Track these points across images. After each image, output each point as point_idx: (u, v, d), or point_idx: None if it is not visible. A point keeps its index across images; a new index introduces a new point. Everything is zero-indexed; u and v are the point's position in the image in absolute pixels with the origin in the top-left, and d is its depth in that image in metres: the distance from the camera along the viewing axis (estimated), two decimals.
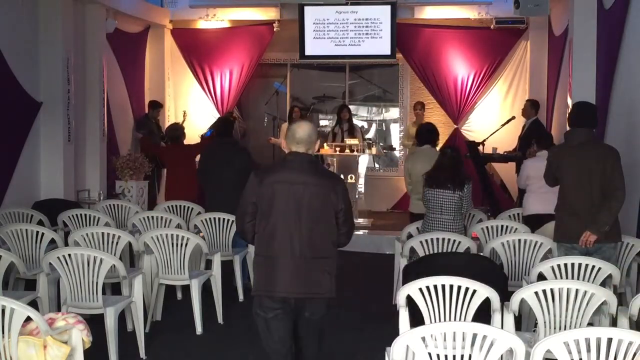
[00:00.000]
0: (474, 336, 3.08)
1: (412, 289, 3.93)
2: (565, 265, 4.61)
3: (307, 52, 10.86)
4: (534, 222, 6.24)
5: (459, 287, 3.90)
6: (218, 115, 10.67)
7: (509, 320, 4.05)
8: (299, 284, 3.92)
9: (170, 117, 11.22)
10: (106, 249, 5.58)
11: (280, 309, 3.95)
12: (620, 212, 4.92)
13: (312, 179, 3.98)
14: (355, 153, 9.50)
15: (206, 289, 5.96)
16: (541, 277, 4.58)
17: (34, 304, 4.80)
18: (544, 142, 6.77)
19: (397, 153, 11.68)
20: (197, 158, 8.83)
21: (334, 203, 3.98)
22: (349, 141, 9.71)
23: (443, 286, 3.91)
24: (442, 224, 5.86)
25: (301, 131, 4.03)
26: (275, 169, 4.20)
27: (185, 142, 9.69)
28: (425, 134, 6.89)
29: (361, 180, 9.64)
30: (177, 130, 8.76)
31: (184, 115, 10.98)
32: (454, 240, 5.53)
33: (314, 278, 3.98)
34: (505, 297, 4.13)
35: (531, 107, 9.54)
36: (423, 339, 3.10)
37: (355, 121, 11.29)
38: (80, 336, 3.66)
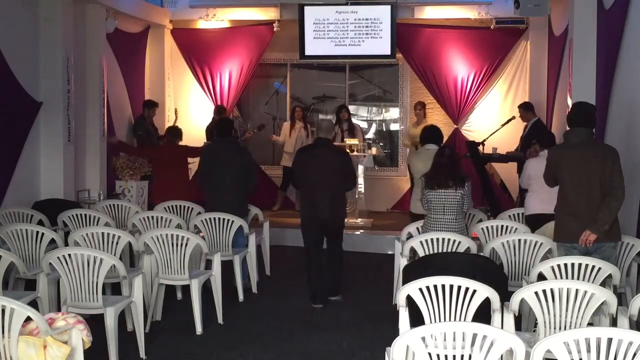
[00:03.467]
0: (474, 336, 3.08)
1: (412, 289, 3.94)
2: (565, 265, 4.61)
3: (307, 52, 10.86)
4: (536, 222, 6.24)
5: (459, 287, 3.91)
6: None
7: (509, 320, 4.06)
8: (329, 211, 6.48)
9: (170, 117, 11.21)
10: (106, 249, 5.58)
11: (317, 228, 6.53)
12: (620, 211, 4.93)
13: (330, 153, 6.58)
14: (355, 153, 9.50)
15: (206, 289, 5.96)
16: (541, 277, 4.58)
17: (34, 304, 4.80)
18: (546, 141, 6.77)
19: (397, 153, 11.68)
20: (191, 160, 8.90)
21: (342, 167, 6.52)
22: (349, 141, 9.71)
23: (443, 286, 3.91)
24: (444, 224, 5.84)
25: (324, 124, 6.93)
26: (310, 147, 7.06)
27: (183, 142, 9.71)
28: (428, 134, 6.93)
29: (361, 180, 9.64)
30: (176, 130, 8.97)
31: (175, 113, 10.98)
32: (454, 240, 5.54)
33: (335, 207, 6.53)
34: (505, 297, 4.13)
35: (525, 110, 9.50)
36: (423, 339, 3.10)
37: (356, 121, 11.29)
38: (80, 336, 3.66)
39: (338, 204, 6.56)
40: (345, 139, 10.00)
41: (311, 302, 6.50)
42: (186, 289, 6.10)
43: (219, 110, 10.64)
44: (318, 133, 6.88)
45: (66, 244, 5.79)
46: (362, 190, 9.72)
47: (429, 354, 3.13)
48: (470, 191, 5.96)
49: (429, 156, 6.41)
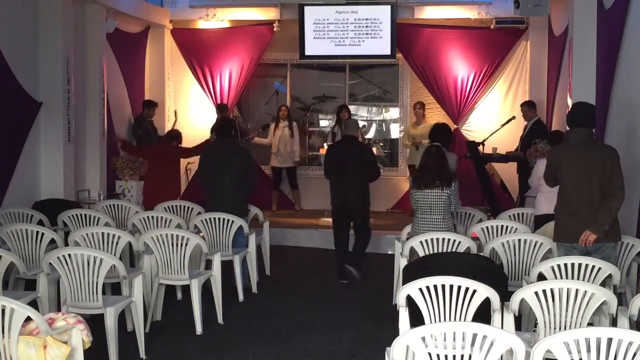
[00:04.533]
0: (474, 336, 3.08)
1: (412, 289, 3.94)
2: (565, 265, 4.61)
3: (307, 52, 10.86)
4: (545, 222, 6.21)
5: (459, 287, 3.91)
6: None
7: (509, 320, 4.06)
8: (354, 199, 7.24)
9: (170, 117, 11.21)
10: (106, 249, 5.58)
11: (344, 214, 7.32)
12: (620, 212, 4.93)
13: (355, 148, 7.42)
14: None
15: (206, 289, 5.96)
16: (541, 277, 4.58)
17: (34, 304, 4.80)
18: (556, 140, 6.75)
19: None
20: (192, 160, 8.94)
21: (366, 161, 7.34)
22: None
23: (443, 286, 3.91)
24: (431, 224, 5.92)
25: (351, 123, 7.92)
26: (339, 143, 8.18)
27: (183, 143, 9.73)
28: (438, 133, 6.97)
29: None
30: (174, 132, 9.19)
31: (175, 115, 10.97)
32: (454, 240, 5.54)
33: (360, 196, 7.26)
34: (505, 297, 4.13)
35: (529, 108, 9.53)
36: (423, 339, 3.10)
37: None
38: (80, 336, 3.66)
39: (363, 193, 7.30)
40: None
41: (339, 278, 7.35)
42: (186, 289, 6.10)
43: (221, 108, 10.64)
44: (345, 131, 7.80)
45: (66, 244, 5.80)
46: None
47: (429, 354, 3.13)
48: (457, 190, 6.01)
49: None
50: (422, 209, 5.98)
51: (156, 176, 8.62)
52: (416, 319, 4.01)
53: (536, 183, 6.74)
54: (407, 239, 6.08)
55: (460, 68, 10.83)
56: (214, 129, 10.25)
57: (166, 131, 10.68)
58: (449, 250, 5.48)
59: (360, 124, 11.55)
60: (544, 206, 6.50)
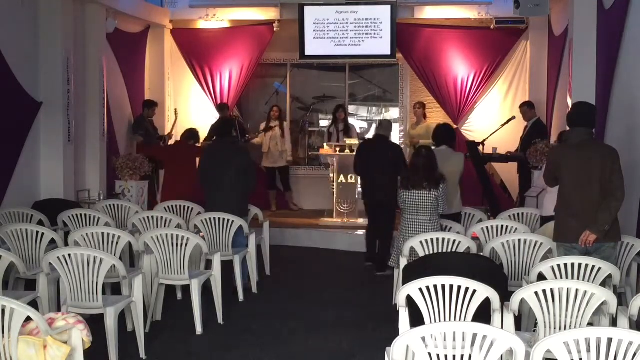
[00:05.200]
0: (474, 336, 3.08)
1: (412, 289, 3.93)
2: (565, 265, 4.61)
3: (307, 52, 10.86)
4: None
5: (459, 287, 3.91)
6: (218, 116, 10.65)
7: (509, 320, 4.06)
8: (384, 195, 7.57)
9: (170, 117, 11.21)
10: (106, 249, 5.58)
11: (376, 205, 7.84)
12: (620, 212, 4.93)
13: (386, 146, 7.94)
14: (355, 153, 9.50)
15: (206, 289, 5.96)
16: (541, 277, 4.58)
17: (34, 304, 4.80)
18: (563, 138, 6.73)
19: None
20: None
21: (395, 159, 7.76)
22: (349, 141, 9.71)
23: (443, 286, 3.91)
24: (418, 225, 5.96)
25: (384, 123, 8.32)
26: (370, 141, 8.67)
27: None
28: (443, 134, 6.95)
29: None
30: (192, 131, 9.30)
31: (175, 114, 10.97)
32: (454, 240, 5.54)
33: (389, 191, 7.25)
34: (505, 297, 4.13)
35: (529, 109, 9.55)
36: (423, 339, 3.10)
37: (356, 121, 11.27)
38: (80, 336, 3.66)
39: (392, 188, 7.32)
40: (344, 139, 9.99)
41: (365, 262, 8.05)
42: (186, 289, 6.10)
43: (221, 107, 10.63)
44: (377, 130, 8.30)
45: (66, 244, 5.79)
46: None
47: (429, 354, 3.13)
48: (446, 193, 6.03)
49: (442, 155, 6.54)
50: (409, 209, 6.02)
51: (177, 172, 8.69)
52: (416, 319, 4.01)
53: (543, 183, 6.72)
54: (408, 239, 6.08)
55: (460, 68, 10.83)
56: (214, 129, 10.27)
57: (166, 132, 10.72)
58: (449, 250, 5.48)
59: (362, 124, 11.60)
60: (552, 206, 6.47)
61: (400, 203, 6.14)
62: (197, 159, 9.28)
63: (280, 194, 11.11)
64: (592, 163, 4.91)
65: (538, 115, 9.60)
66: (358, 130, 11.15)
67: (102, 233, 5.67)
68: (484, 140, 9.40)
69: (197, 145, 9.31)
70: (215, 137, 8.43)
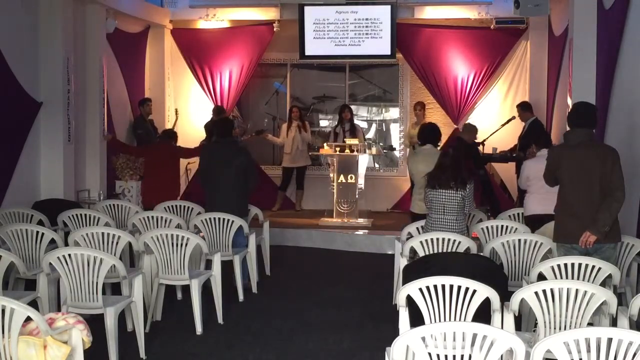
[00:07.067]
0: (474, 336, 3.08)
1: (412, 289, 3.94)
2: (565, 265, 4.61)
3: (307, 52, 10.86)
4: (535, 223, 6.23)
5: (459, 287, 3.91)
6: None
7: (509, 320, 4.06)
8: None
9: (170, 117, 11.21)
10: (106, 249, 5.58)
11: None
12: (620, 212, 4.92)
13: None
14: (355, 153, 9.51)
15: (206, 289, 5.96)
16: (541, 277, 4.58)
17: (34, 304, 4.80)
18: (543, 141, 6.78)
19: (397, 153, 11.67)
20: (192, 160, 8.94)
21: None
22: (349, 141, 9.72)
23: (443, 286, 3.91)
24: (444, 225, 5.84)
25: (467, 127, 8.89)
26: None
27: (180, 143, 9.73)
28: (427, 133, 6.90)
29: (361, 180, 9.65)
30: (170, 132, 9.35)
31: (176, 114, 10.96)
32: (454, 240, 5.54)
33: None
34: (505, 297, 4.13)
35: (524, 110, 9.52)
36: (423, 339, 3.10)
37: (357, 121, 11.28)
38: (80, 336, 3.66)
39: None
40: (345, 139, 9.99)
41: None
42: (186, 289, 6.10)
43: (218, 110, 10.61)
44: (462, 134, 8.94)
45: (66, 244, 5.79)
46: (363, 190, 9.73)
47: (429, 354, 3.13)
48: (473, 193, 5.97)
49: (427, 154, 6.48)
50: (436, 209, 5.89)
51: (154, 175, 8.62)
52: (416, 319, 4.01)
53: (524, 184, 6.73)
54: (408, 238, 6.08)
55: (460, 68, 10.83)
56: (207, 128, 10.25)
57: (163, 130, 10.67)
58: (449, 250, 5.48)
59: (361, 124, 11.60)
60: (533, 206, 6.50)
61: (425, 202, 6.07)
62: (180, 160, 9.31)
63: (287, 198, 11.09)
64: (592, 163, 4.91)
65: (536, 115, 9.58)
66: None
67: (102, 233, 5.67)
68: (484, 140, 9.40)
69: (181, 146, 9.28)
70: (214, 137, 8.41)
